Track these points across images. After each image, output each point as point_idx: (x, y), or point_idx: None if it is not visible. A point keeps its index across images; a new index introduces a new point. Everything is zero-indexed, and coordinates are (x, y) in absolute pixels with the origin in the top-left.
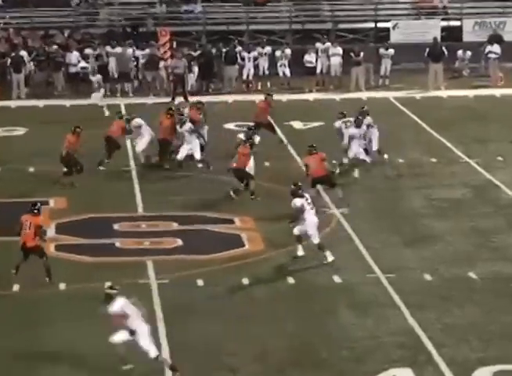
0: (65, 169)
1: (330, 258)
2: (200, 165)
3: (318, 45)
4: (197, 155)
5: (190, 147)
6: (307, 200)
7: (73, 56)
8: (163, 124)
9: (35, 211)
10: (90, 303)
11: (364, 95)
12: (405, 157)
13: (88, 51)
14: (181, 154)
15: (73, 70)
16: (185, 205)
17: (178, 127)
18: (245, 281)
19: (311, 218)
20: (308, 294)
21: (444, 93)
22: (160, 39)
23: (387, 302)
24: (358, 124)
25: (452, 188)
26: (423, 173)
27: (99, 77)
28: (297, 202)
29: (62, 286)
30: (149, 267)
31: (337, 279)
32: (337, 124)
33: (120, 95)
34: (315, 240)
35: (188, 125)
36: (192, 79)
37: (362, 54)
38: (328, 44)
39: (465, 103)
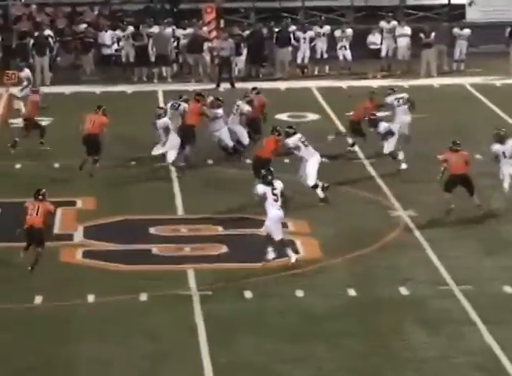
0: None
1: (293, 258)
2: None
3: (383, 24)
4: (169, 157)
5: (165, 146)
6: (274, 189)
7: (107, 36)
8: (189, 109)
9: (40, 196)
10: (122, 318)
11: (436, 81)
12: (484, 154)
13: (118, 32)
14: (155, 151)
15: (106, 51)
16: (230, 207)
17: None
18: (299, 293)
19: (273, 212)
20: (372, 308)
21: None
22: (204, 17)
23: (461, 318)
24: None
25: None
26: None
27: None
28: (260, 189)
29: (90, 298)
30: (190, 276)
31: (404, 291)
32: (389, 99)
33: (157, 80)
34: (277, 236)
35: (162, 121)
36: (241, 63)
37: (433, 34)
38: (394, 23)
39: None
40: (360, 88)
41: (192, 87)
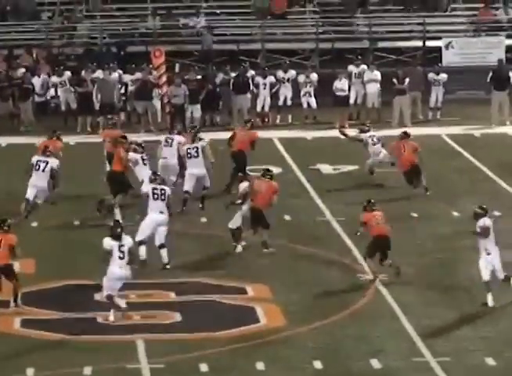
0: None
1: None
2: None
3: (351, 68)
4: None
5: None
6: (121, 246)
7: (39, 82)
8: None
9: (5, 227)
10: None
11: (410, 131)
12: (462, 210)
13: (54, 78)
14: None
15: (39, 99)
16: (184, 270)
17: None
18: (260, 366)
19: (114, 270)
20: None
21: (508, 129)
22: (153, 61)
23: None
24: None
25: None
26: None
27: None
28: (106, 243)
29: (30, 372)
30: (140, 348)
31: (376, 364)
32: (364, 136)
33: (102, 131)
34: (105, 292)
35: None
36: (197, 111)
37: (407, 80)
38: (364, 67)
39: None
40: (326, 138)
41: (141, 137)
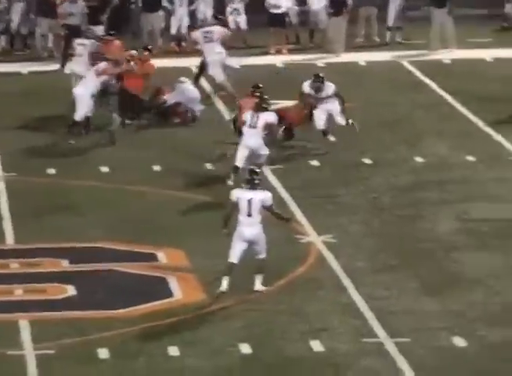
0: None
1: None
2: None
3: None
4: None
5: None
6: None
7: None
8: None
9: None
10: None
11: (363, 57)
12: (427, 155)
13: None
14: None
15: None
16: (81, 232)
17: None
18: (174, 351)
19: None
20: (273, 370)
21: (487, 54)
22: None
23: None
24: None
25: (501, 202)
26: (453, 179)
27: None
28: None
29: None
30: (24, 330)
31: (317, 346)
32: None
33: None
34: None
35: None
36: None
37: None
38: None
39: None
40: (259, 66)
41: (24, 68)
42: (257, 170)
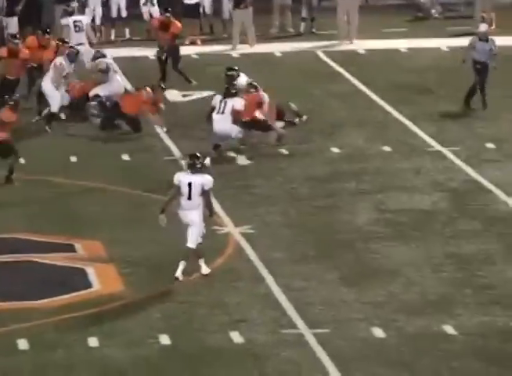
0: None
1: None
2: None
3: None
4: None
5: None
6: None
7: None
8: None
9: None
10: None
11: (277, 47)
12: (343, 146)
13: None
14: None
15: None
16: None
17: None
18: (93, 342)
19: None
20: (193, 361)
21: (402, 44)
22: None
23: (315, 374)
24: None
25: (417, 193)
26: (369, 170)
27: None
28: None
29: None
30: None
31: (236, 337)
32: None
33: None
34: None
35: None
36: (13, 26)
37: None
38: None
39: (435, 59)
40: None
41: None
42: (198, 154)
